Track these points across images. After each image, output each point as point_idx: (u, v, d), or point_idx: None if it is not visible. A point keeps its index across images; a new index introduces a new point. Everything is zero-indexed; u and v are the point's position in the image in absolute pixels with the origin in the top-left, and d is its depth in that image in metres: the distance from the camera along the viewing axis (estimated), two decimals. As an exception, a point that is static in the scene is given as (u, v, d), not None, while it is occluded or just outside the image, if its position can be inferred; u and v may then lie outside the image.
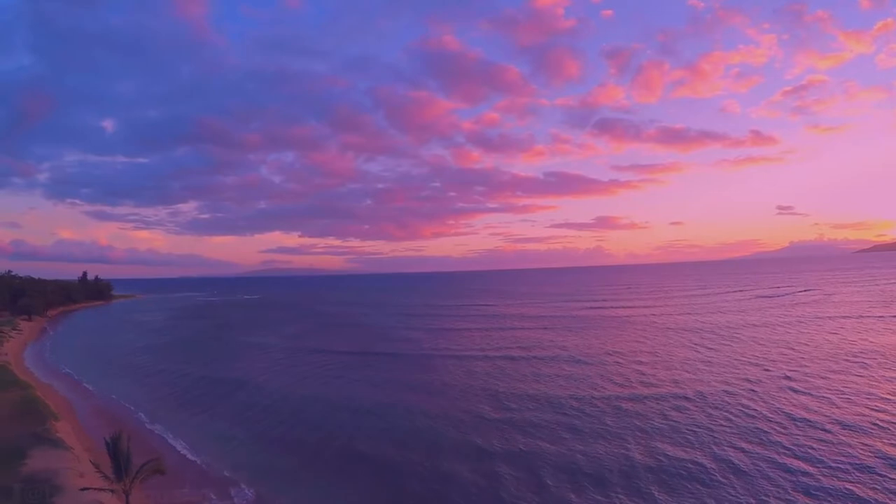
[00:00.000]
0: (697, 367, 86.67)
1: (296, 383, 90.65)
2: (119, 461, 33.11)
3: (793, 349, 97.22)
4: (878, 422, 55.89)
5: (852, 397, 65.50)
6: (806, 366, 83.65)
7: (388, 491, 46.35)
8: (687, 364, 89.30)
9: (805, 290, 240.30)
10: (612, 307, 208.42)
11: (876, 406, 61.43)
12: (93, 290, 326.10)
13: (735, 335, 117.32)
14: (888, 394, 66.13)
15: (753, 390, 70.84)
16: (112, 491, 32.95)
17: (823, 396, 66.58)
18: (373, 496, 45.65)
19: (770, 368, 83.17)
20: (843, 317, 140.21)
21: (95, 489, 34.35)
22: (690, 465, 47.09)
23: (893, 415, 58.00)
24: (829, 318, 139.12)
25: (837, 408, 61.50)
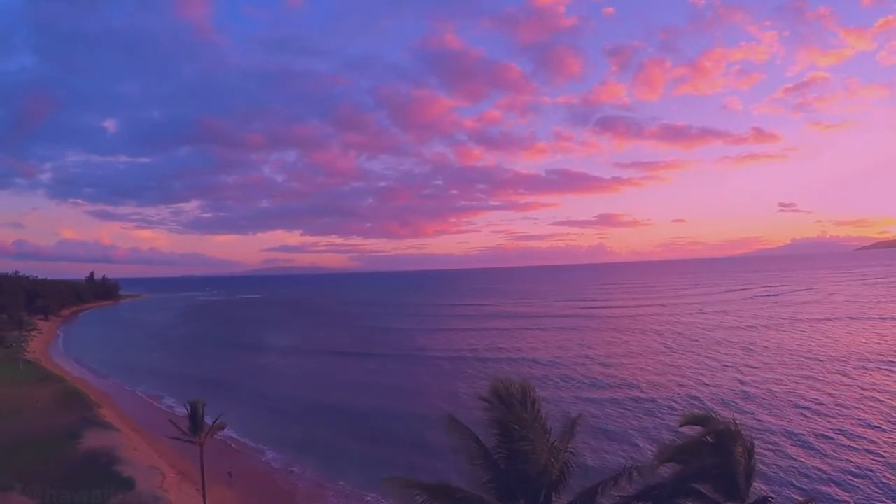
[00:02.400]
0: (657, 370, 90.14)
1: (299, 374, 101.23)
2: (196, 421, 42.21)
3: (754, 351, 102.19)
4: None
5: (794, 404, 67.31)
6: (754, 368, 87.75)
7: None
8: (647, 368, 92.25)
9: (796, 290, 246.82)
10: (601, 307, 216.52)
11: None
12: (101, 290, 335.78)
13: (704, 336, 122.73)
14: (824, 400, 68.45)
15: (694, 397, 72.58)
16: (192, 441, 42.08)
17: (762, 398, 70.51)
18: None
19: (724, 372, 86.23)
20: (825, 319, 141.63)
21: (181, 439, 43.55)
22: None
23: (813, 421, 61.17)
24: (808, 320, 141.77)
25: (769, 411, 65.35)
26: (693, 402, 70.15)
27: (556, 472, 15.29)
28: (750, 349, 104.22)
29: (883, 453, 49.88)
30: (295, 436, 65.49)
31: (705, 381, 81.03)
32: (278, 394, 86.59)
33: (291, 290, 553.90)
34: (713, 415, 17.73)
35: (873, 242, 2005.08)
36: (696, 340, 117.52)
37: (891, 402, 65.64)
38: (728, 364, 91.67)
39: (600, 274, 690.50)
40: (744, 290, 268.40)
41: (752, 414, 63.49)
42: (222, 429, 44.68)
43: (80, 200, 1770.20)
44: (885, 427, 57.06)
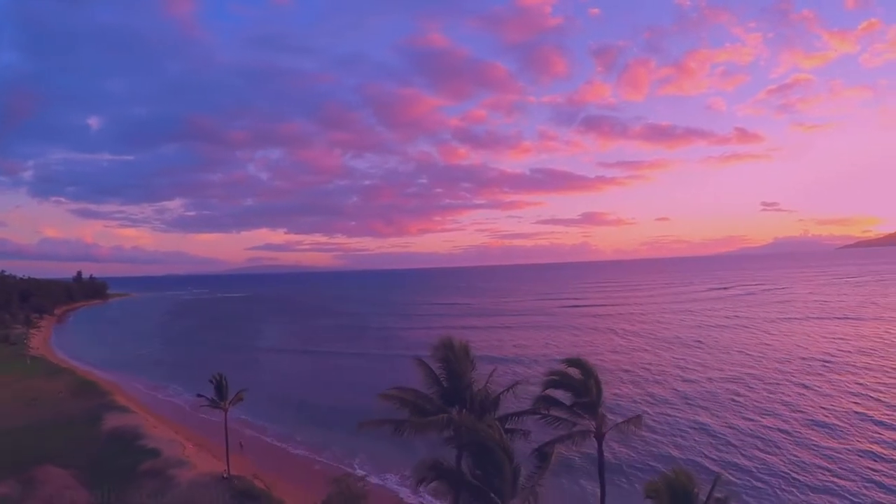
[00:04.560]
0: (607, 368, 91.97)
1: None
2: (221, 390, 50.96)
3: (701, 350, 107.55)
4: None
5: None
6: (693, 365, 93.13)
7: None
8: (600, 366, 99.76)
9: (769, 289, 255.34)
10: (576, 306, 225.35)
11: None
12: (90, 289, 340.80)
13: (664, 334, 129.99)
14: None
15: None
16: (219, 407, 50.90)
17: (690, 389, 77.14)
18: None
19: (669, 369, 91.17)
20: (785, 319, 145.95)
21: (206, 405, 52.47)
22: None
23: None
24: (769, 319, 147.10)
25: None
26: (629, 394, 77.38)
27: (479, 388, 25.01)
28: (700, 346, 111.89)
29: (779, 442, 56.17)
30: (289, 415, 75.25)
31: (650, 378, 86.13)
32: (270, 381, 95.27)
33: (276, 288, 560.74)
34: (583, 360, 26.89)
35: (855, 241, 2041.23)
36: (656, 338, 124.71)
37: (803, 400, 70.52)
38: (677, 362, 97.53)
39: (583, 273, 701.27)
40: (722, 288, 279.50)
41: (673, 405, 70.65)
42: (241, 400, 53.08)
43: (62, 199, 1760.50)
44: (788, 418, 63.19)
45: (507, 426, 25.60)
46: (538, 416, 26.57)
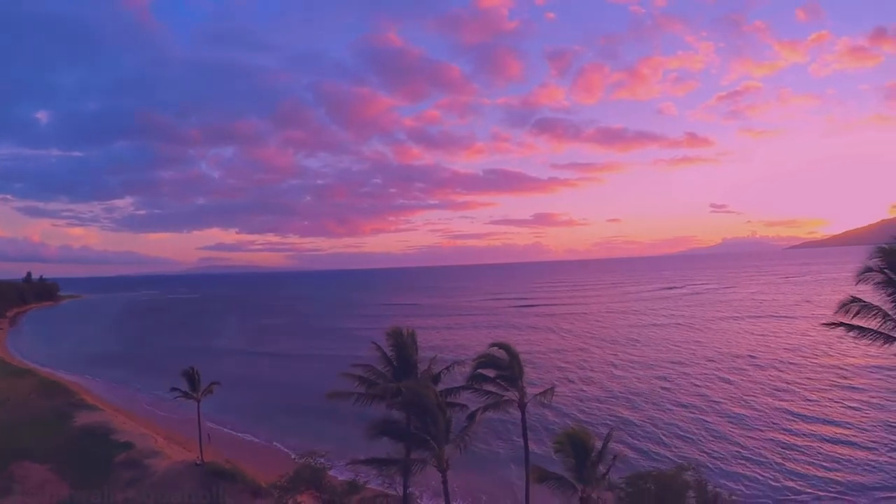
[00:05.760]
0: (541, 364, 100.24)
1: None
2: (194, 381, 55.42)
3: (635, 348, 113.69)
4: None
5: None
6: (622, 363, 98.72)
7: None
8: (534, 363, 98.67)
9: (711, 289, 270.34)
10: (521, 305, 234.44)
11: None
12: (41, 291, 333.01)
13: (601, 333, 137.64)
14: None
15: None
16: (193, 398, 55.32)
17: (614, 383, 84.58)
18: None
19: (598, 366, 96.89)
20: (724, 318, 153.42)
21: (183, 396, 56.64)
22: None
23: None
24: (701, 317, 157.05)
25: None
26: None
27: (424, 368, 31.23)
28: (635, 344, 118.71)
29: (692, 428, 62.40)
30: (248, 411, 79.26)
31: (581, 375, 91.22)
32: (227, 380, 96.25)
33: (228, 289, 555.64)
34: (508, 343, 33.23)
35: (802, 242, 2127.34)
36: (594, 337, 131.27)
37: (723, 392, 76.72)
38: (609, 359, 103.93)
39: (534, 273, 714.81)
40: (669, 288, 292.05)
41: (599, 398, 76.14)
42: (211, 392, 57.60)
43: (8, 196, 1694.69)
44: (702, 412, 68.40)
45: (447, 400, 31.87)
46: (472, 391, 32.99)
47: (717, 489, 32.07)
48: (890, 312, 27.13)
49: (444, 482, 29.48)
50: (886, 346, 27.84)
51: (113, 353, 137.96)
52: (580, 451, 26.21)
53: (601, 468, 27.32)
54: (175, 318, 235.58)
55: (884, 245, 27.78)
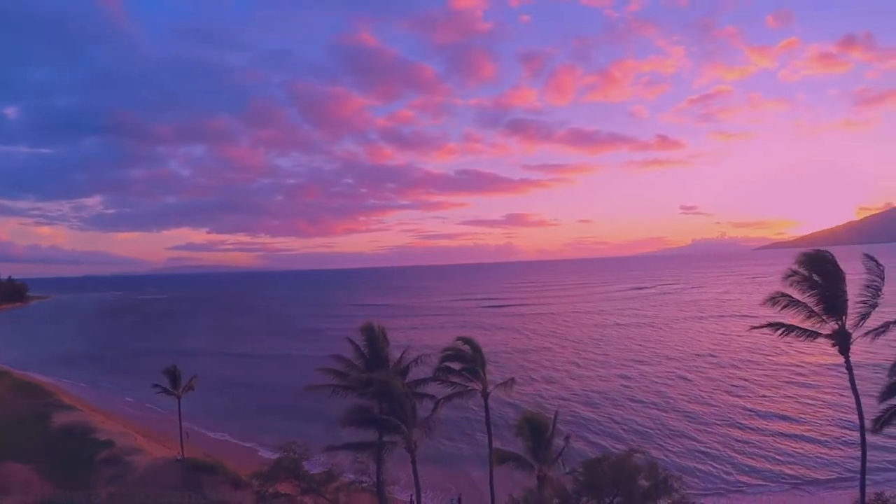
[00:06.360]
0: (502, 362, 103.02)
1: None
2: (174, 379, 57.60)
3: (598, 347, 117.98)
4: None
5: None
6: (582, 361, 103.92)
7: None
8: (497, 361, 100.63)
9: (680, 290, 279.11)
10: (490, 306, 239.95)
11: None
12: (10, 291, 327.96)
13: (567, 332, 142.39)
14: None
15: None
16: (174, 394, 57.43)
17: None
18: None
19: (561, 366, 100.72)
20: (690, 317, 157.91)
21: (164, 392, 58.78)
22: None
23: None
24: (678, 319, 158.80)
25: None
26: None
27: (394, 362, 34.41)
28: (599, 343, 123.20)
29: (649, 421, 66.91)
30: (222, 410, 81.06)
31: (544, 375, 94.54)
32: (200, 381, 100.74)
33: (198, 290, 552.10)
34: (472, 338, 36.60)
35: (770, 243, 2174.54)
36: (558, 337, 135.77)
37: (681, 389, 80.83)
38: (572, 358, 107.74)
39: (505, 273, 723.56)
40: (638, 288, 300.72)
41: (564, 398, 78.55)
42: (193, 389, 59.87)
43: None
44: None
45: (416, 391, 35.39)
46: (439, 382, 36.42)
47: (668, 472, 34.97)
48: (815, 309, 30.41)
49: (413, 462, 32.93)
50: (809, 340, 31.30)
51: (84, 354, 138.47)
52: (537, 432, 29.99)
53: (555, 448, 30.84)
54: (145, 320, 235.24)
55: (808, 251, 31.38)
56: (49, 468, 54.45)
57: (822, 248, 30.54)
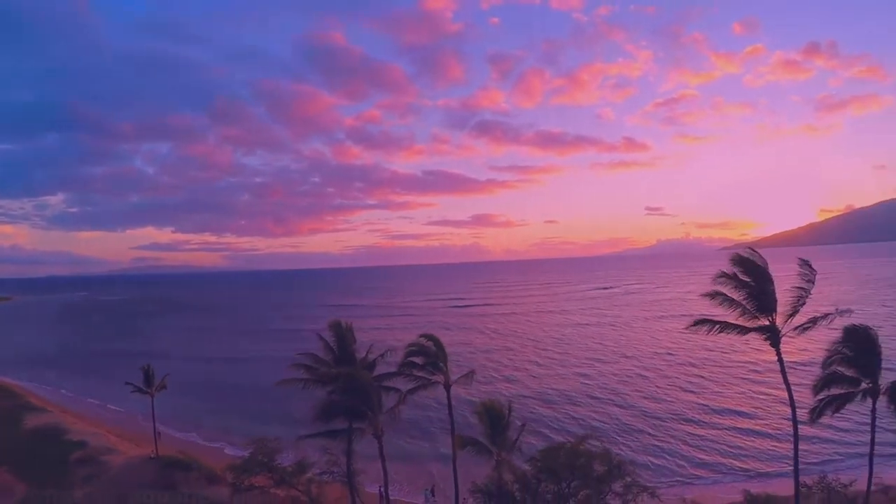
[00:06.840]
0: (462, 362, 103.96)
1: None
2: (149, 378, 59.23)
3: (559, 347, 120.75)
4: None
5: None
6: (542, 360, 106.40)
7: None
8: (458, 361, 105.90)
9: (644, 290, 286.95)
10: (455, 306, 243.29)
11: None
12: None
13: (528, 332, 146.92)
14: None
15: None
16: (147, 393, 59.08)
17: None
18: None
19: (521, 365, 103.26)
20: (651, 317, 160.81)
21: (136, 391, 60.39)
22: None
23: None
24: (640, 318, 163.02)
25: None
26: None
27: (361, 357, 37.40)
28: (559, 343, 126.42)
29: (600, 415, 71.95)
30: (188, 410, 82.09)
31: (502, 374, 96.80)
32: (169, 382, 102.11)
33: (164, 290, 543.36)
34: (434, 335, 39.88)
35: (734, 244, 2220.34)
36: (519, 336, 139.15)
37: (636, 386, 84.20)
38: (531, 357, 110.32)
39: (471, 273, 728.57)
40: (603, 288, 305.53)
41: (524, 396, 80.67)
42: (165, 387, 61.65)
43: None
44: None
45: (382, 384, 38.33)
46: (404, 376, 39.41)
47: (620, 457, 37.30)
48: (747, 306, 33.66)
49: (380, 447, 36.15)
50: (740, 335, 34.64)
51: (49, 357, 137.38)
52: (494, 419, 33.25)
53: (511, 435, 34.05)
54: (110, 321, 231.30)
55: (738, 252, 34.79)
56: (23, 469, 54.82)
57: (752, 250, 33.50)
